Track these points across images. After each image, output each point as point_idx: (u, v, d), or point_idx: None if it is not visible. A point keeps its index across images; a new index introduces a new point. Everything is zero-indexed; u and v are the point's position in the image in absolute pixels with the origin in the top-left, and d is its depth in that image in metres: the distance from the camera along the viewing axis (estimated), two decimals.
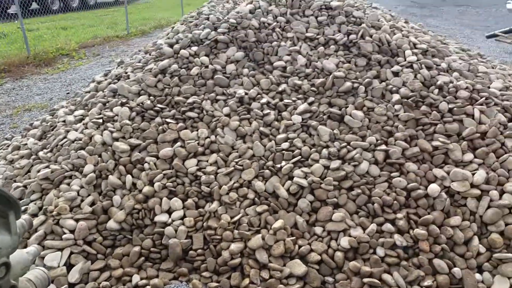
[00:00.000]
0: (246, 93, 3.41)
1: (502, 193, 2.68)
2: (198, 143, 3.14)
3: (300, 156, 2.98)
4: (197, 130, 3.22)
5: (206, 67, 3.67)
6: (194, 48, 3.85)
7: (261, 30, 3.92)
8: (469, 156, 2.86)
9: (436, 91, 3.25)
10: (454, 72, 3.46)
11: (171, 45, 3.98)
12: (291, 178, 2.88)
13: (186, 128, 3.26)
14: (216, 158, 3.04)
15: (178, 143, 3.13)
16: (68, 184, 3.06)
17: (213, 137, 3.17)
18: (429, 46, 3.70)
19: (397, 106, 3.16)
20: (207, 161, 3.05)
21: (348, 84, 3.35)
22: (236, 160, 3.02)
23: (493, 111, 3.11)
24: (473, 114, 3.08)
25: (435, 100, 3.18)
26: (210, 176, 2.93)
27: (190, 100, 3.39)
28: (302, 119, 3.21)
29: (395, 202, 2.70)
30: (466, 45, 9.58)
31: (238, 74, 3.65)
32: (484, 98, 3.18)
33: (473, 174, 2.74)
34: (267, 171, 2.93)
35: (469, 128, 2.96)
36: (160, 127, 3.24)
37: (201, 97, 3.44)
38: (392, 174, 2.84)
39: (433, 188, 2.70)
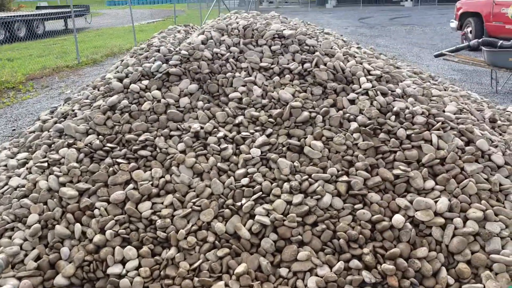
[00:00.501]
0: (201, 127, 3.28)
1: (465, 220, 2.66)
2: (152, 184, 2.96)
3: (261, 192, 2.86)
4: (151, 170, 3.05)
5: (158, 101, 3.51)
6: (145, 82, 3.70)
7: (214, 61, 3.82)
8: (430, 183, 2.84)
9: (393, 117, 3.24)
10: (409, 97, 3.48)
11: (120, 79, 3.80)
12: (252, 216, 2.75)
13: (138, 168, 3.07)
14: (172, 199, 2.87)
15: (131, 185, 2.94)
16: (10, 237, 2.79)
17: (168, 177, 3.01)
18: (383, 72, 3.71)
19: (355, 135, 3.12)
20: (162, 203, 2.88)
21: (305, 114, 3.28)
22: (194, 200, 2.86)
23: (450, 135, 3.12)
24: (431, 139, 3.08)
25: (393, 127, 3.16)
26: (166, 220, 2.75)
27: (142, 138, 3.21)
28: (261, 152, 3.11)
29: (360, 236, 2.61)
30: (415, 64, 9.91)
31: (193, 107, 3.52)
32: (440, 122, 3.19)
33: (436, 202, 2.71)
34: (227, 210, 2.79)
35: (428, 155, 2.95)
36: (111, 169, 3.04)
37: (153, 134, 3.27)
38: (356, 206, 2.77)
39: (398, 219, 2.64)
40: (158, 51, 4.00)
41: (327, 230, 2.66)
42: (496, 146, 3.19)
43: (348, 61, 3.79)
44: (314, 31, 4.39)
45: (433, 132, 3.12)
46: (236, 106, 3.46)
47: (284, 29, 4.08)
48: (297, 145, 3.10)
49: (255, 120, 3.35)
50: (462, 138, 3.18)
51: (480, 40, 7.54)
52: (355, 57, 3.93)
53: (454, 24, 13.02)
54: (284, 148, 3.12)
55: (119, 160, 3.10)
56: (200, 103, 3.51)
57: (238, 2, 32.89)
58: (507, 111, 4.89)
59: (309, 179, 2.89)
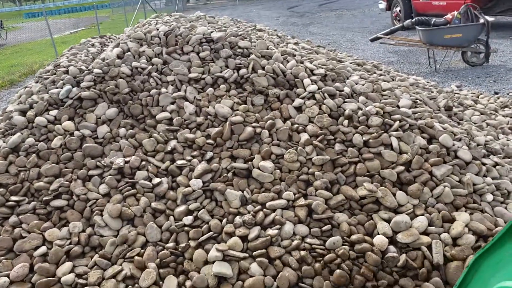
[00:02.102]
0: (126, 162, 2.73)
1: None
2: (71, 242, 2.39)
3: (211, 232, 2.38)
4: (68, 224, 2.47)
5: (71, 134, 2.92)
6: (54, 112, 3.08)
7: (134, 77, 3.26)
8: (402, 197, 2.48)
9: (346, 122, 2.86)
10: (359, 96, 3.11)
11: (23, 112, 3.15)
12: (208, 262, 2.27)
13: (54, 226, 2.48)
14: (98, 258, 2.31)
15: (43, 249, 2.35)
16: None
17: (90, 230, 2.44)
18: (327, 70, 3.33)
19: (308, 148, 2.70)
20: (86, 265, 2.31)
21: (249, 129, 2.82)
22: (125, 253, 2.33)
23: (411, 135, 2.78)
24: (391, 143, 2.72)
25: (347, 133, 2.78)
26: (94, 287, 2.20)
27: (54, 185, 2.62)
28: (203, 183, 2.62)
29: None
30: (351, 50, 9.75)
31: (114, 136, 2.95)
32: (398, 122, 2.85)
33: (412, 219, 2.35)
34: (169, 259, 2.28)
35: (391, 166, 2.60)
36: (16, 230, 2.43)
37: (68, 177, 2.69)
38: (324, 228, 2.37)
39: (381, 240, 2.25)
40: (67, 72, 3.37)
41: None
42: (460, 140, 2.90)
43: (288, 61, 3.36)
44: (245, 29, 3.93)
45: (392, 134, 2.77)
46: (166, 129, 2.94)
47: (212, 32, 3.58)
48: (244, 169, 2.64)
49: (190, 143, 2.85)
50: (424, 135, 2.85)
51: (413, 20, 7.42)
52: (295, 55, 3.51)
53: (382, 5, 13.06)
54: (229, 174, 2.65)
55: (27, 217, 2.49)
56: (122, 131, 2.95)
57: (164, 1, 31.73)
58: (456, 93, 4.71)
59: (264, 210, 2.44)
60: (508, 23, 10.42)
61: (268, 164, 2.64)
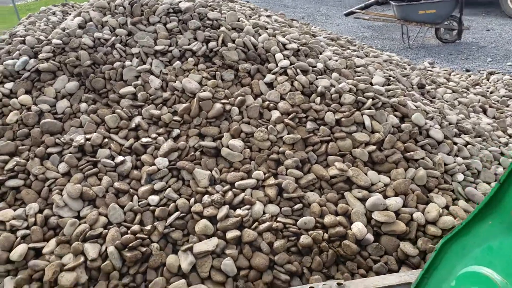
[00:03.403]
0: (87, 139, 2.58)
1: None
2: (27, 225, 2.25)
3: (178, 212, 2.28)
4: (24, 206, 2.32)
5: (29, 109, 2.74)
6: (9, 85, 2.87)
7: (97, 49, 3.06)
8: (373, 175, 2.44)
9: (318, 99, 2.77)
10: (332, 72, 3.02)
11: None
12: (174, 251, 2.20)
13: (9, 206, 2.34)
14: (56, 243, 2.19)
15: None
16: None
17: (48, 211, 2.31)
18: (300, 44, 3.21)
19: (279, 126, 2.62)
20: (41, 248, 2.18)
21: (218, 106, 2.71)
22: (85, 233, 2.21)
23: (384, 114, 2.73)
24: (363, 122, 2.66)
25: (319, 111, 2.70)
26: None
27: (10, 165, 2.45)
28: (169, 162, 2.50)
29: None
30: (325, 24, 9.63)
31: (74, 112, 2.78)
32: (370, 99, 2.78)
33: (386, 199, 2.32)
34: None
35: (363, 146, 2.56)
36: None
37: (25, 155, 2.52)
38: (295, 207, 2.31)
39: (359, 227, 2.21)
40: (24, 42, 3.15)
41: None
42: (432, 118, 2.87)
43: (260, 34, 3.22)
44: (216, 0, 3.75)
45: (365, 112, 2.71)
46: (130, 104, 2.79)
47: (180, 1, 3.39)
48: (212, 148, 2.54)
49: (156, 120, 2.72)
50: (396, 113, 2.81)
51: None
52: (267, 28, 3.38)
53: None
54: (197, 153, 2.54)
55: None
56: (83, 106, 2.79)
57: None
58: (428, 70, 4.69)
59: (233, 189, 2.36)
60: (481, 0, 10.47)
61: (237, 142, 2.54)
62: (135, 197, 2.39)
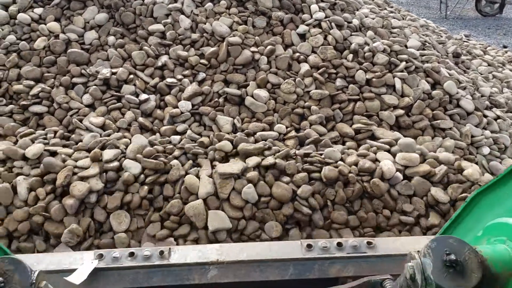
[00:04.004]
0: (113, 73, 2.56)
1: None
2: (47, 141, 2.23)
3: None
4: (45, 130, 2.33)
5: (57, 37, 2.70)
6: (39, 10, 2.83)
7: None
8: (398, 136, 2.38)
9: (351, 56, 2.69)
10: (368, 30, 2.91)
11: (5, 6, 2.89)
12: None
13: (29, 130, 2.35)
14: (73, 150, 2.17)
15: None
16: None
17: (68, 134, 2.31)
18: None
19: (307, 80, 2.55)
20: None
21: (246, 53, 2.64)
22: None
23: (416, 78, 2.65)
24: (394, 84, 2.58)
25: (350, 69, 2.63)
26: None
27: (35, 90, 2.45)
28: (192, 106, 2.48)
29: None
30: None
31: (102, 44, 2.75)
32: (404, 62, 2.69)
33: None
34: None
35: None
36: None
37: (50, 83, 2.52)
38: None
39: (387, 164, 2.10)
40: None
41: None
42: (464, 88, 2.77)
43: None
44: None
45: (397, 75, 2.62)
46: (158, 42, 2.74)
47: None
48: (236, 95, 2.50)
49: (183, 61, 2.67)
50: (428, 79, 2.71)
51: None
52: None
53: None
54: (220, 100, 2.51)
55: (3, 119, 2.35)
56: (111, 39, 2.74)
57: None
58: (465, 41, 4.50)
59: (254, 138, 2.33)
60: None
61: (263, 93, 2.50)
62: (158, 134, 2.39)
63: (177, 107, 2.46)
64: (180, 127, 2.41)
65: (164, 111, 2.49)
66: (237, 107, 2.50)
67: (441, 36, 4.02)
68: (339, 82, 2.57)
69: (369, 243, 1.29)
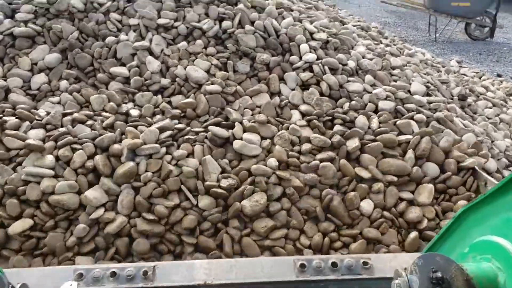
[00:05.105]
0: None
1: None
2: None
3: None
4: None
5: None
6: None
7: (88, 16, 2.55)
8: None
9: (347, 105, 2.30)
10: (366, 74, 2.53)
11: None
12: None
13: None
14: None
15: None
16: None
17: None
18: (330, 35, 2.71)
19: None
20: None
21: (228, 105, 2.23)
22: None
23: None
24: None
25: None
26: None
27: None
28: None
29: None
30: (346, 3, 8.98)
31: (53, 89, 2.29)
32: (413, 112, 2.32)
33: None
34: None
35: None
36: None
37: None
38: None
39: None
40: None
41: None
42: (481, 142, 2.40)
43: (284, 18, 2.70)
44: None
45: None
46: (120, 89, 2.30)
47: None
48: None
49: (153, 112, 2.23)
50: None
51: None
52: (292, 10, 2.86)
53: None
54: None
55: None
56: (63, 84, 2.29)
57: None
58: (463, 74, 4.17)
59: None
60: None
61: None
62: None
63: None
64: None
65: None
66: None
67: (440, 70, 3.69)
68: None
69: (365, 263, 1.30)
